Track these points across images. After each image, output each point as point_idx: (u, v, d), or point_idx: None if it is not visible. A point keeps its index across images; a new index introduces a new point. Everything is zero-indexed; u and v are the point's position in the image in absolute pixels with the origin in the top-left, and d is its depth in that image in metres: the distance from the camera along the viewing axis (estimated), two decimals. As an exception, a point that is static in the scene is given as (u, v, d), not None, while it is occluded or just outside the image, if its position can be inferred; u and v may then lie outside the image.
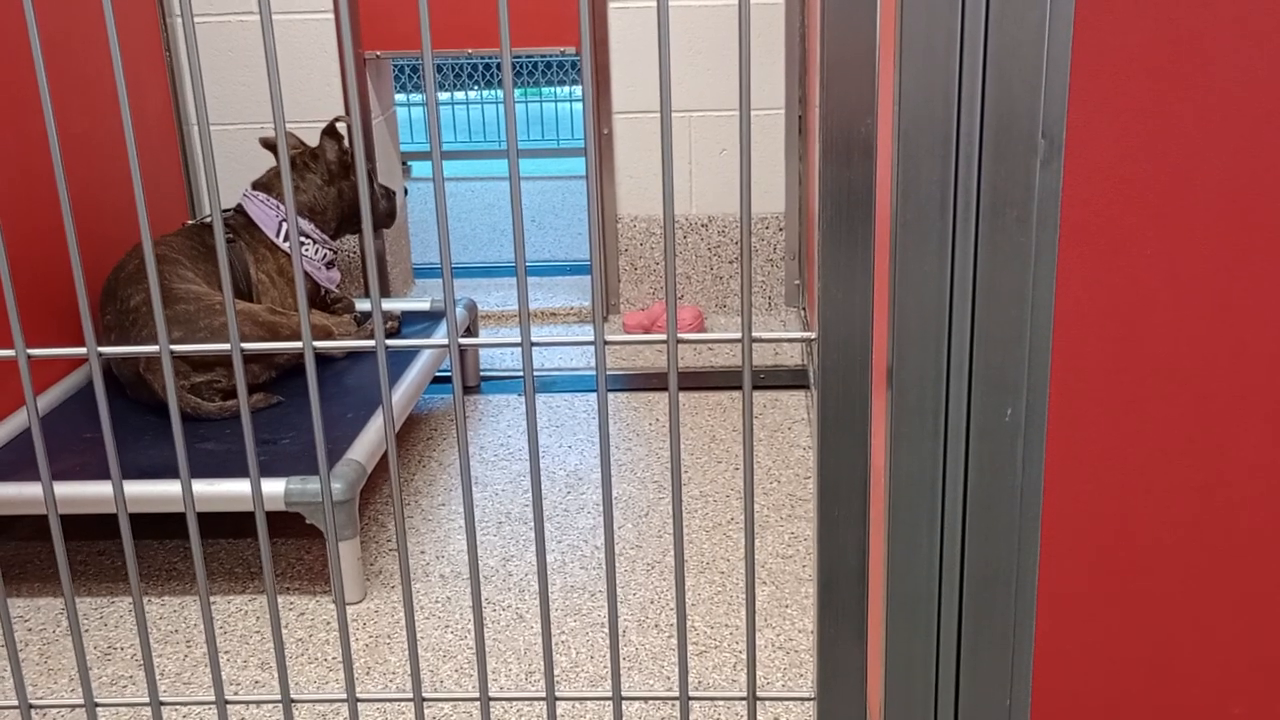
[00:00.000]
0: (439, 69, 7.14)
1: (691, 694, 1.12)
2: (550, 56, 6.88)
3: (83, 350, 0.99)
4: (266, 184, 2.66)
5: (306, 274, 2.63)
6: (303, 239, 2.62)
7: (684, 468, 2.57)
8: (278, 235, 2.58)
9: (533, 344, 0.98)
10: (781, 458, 2.60)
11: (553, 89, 7.25)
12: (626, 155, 3.38)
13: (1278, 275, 0.90)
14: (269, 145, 2.74)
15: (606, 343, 0.97)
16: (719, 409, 2.88)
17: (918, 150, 0.89)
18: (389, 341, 0.96)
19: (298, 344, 0.96)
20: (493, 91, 7.16)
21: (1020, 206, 0.89)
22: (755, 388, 2.98)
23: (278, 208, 2.59)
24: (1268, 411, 0.94)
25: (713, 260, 3.46)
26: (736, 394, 2.96)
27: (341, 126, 2.70)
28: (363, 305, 2.89)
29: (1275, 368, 0.93)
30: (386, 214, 2.91)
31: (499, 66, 6.70)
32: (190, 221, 2.64)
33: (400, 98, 6.67)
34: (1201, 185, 0.88)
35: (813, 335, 0.96)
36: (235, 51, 3.28)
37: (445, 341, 0.97)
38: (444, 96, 7.13)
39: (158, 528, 2.35)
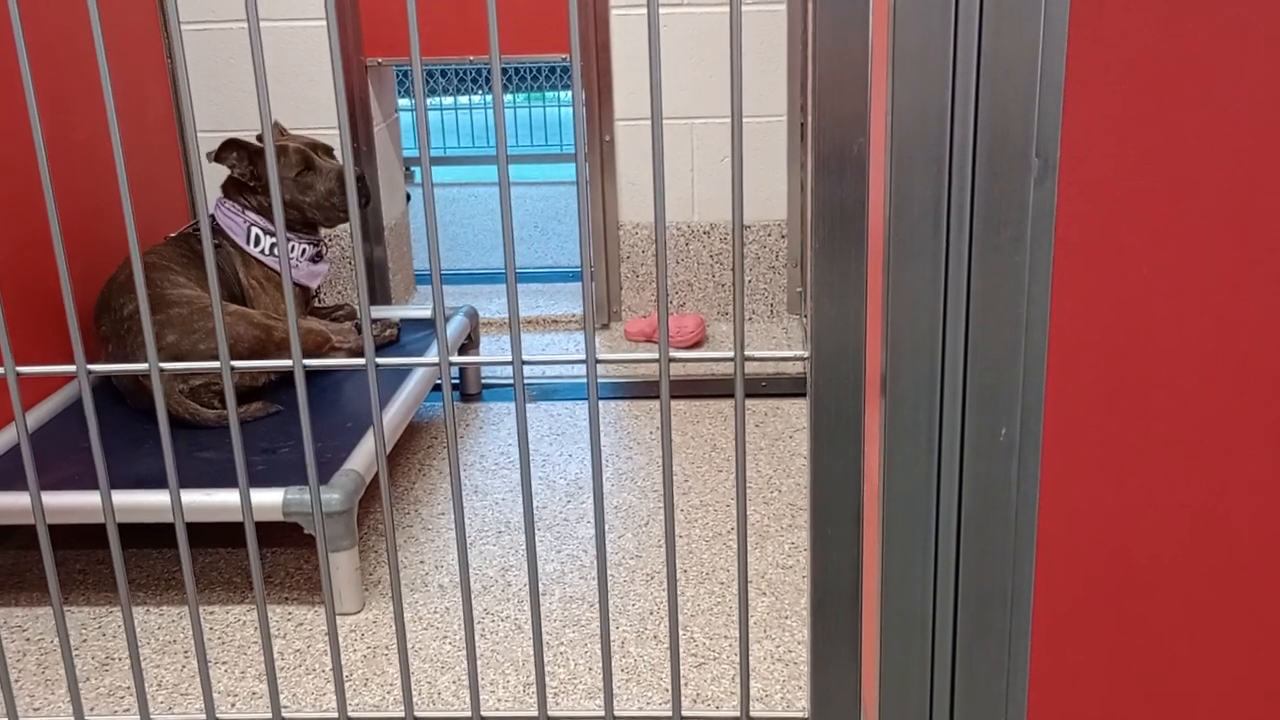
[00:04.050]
0: (442, 74, 7.15)
1: (685, 713, 1.12)
2: (552, 62, 6.89)
3: (73, 368, 0.99)
4: (225, 191, 2.63)
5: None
6: (272, 238, 2.58)
7: (684, 477, 2.56)
8: (247, 241, 2.56)
9: (524, 362, 0.97)
10: (782, 467, 2.59)
11: (555, 93, 7.25)
12: (628, 162, 3.37)
13: (1274, 292, 0.89)
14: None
15: (598, 361, 0.97)
16: (719, 417, 2.87)
17: (911, 167, 0.88)
18: (379, 360, 0.95)
19: (288, 363, 0.95)
20: (497, 96, 7.13)
21: (1014, 225, 0.88)
22: (756, 395, 2.97)
23: (242, 213, 2.57)
24: (1265, 429, 0.93)
25: (714, 268, 3.45)
26: (738, 402, 2.94)
27: (252, 135, 2.61)
28: (363, 313, 2.88)
29: (1272, 385, 0.92)
30: (339, 207, 2.64)
31: (501, 72, 6.66)
32: (172, 234, 2.61)
33: (404, 103, 6.67)
34: (1196, 203, 0.87)
35: (806, 354, 0.95)
36: (236, 58, 3.28)
37: (436, 360, 0.97)
38: (447, 101, 7.14)
39: (156, 537, 2.35)
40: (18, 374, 0.97)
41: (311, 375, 2.66)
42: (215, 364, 0.95)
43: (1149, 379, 0.91)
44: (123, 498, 2.02)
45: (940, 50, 0.84)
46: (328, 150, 2.68)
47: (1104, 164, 0.86)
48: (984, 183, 0.87)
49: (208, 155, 2.54)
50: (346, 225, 3.09)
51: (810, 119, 0.92)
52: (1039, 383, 0.92)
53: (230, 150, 2.54)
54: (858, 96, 0.89)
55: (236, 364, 0.95)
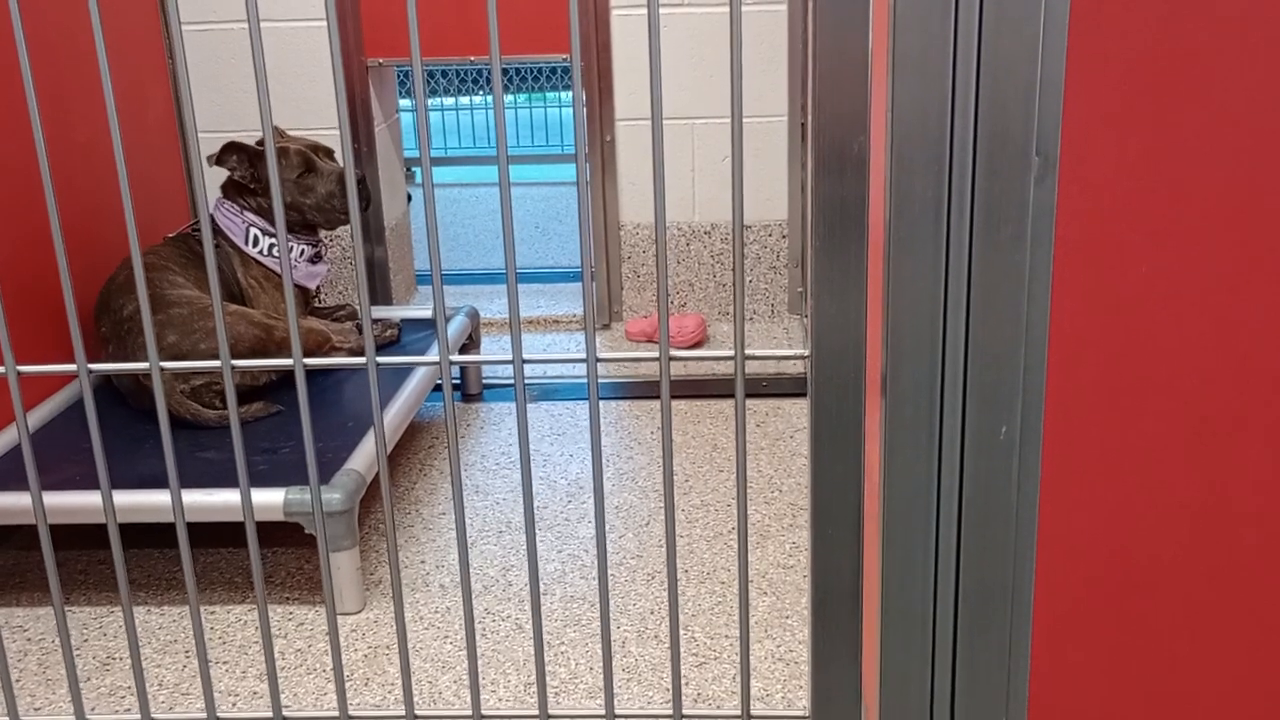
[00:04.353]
0: (443, 75, 7.15)
1: (686, 711, 1.12)
2: (553, 62, 6.89)
3: (73, 367, 0.99)
4: (224, 192, 2.63)
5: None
6: (271, 239, 2.58)
7: (685, 476, 2.56)
8: (245, 242, 2.56)
9: (524, 361, 0.97)
10: (783, 466, 2.59)
11: (556, 94, 7.25)
12: (629, 162, 3.37)
13: (1274, 291, 0.89)
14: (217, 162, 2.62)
15: (599, 360, 0.97)
16: (720, 417, 2.87)
17: (911, 166, 0.88)
18: (380, 359, 0.95)
19: (288, 361, 0.95)
20: (498, 97, 7.13)
21: (1014, 223, 0.88)
22: (757, 395, 2.98)
23: (241, 213, 2.57)
24: (1265, 428, 0.93)
25: (715, 267, 3.45)
26: (739, 402, 2.94)
27: (253, 138, 2.62)
28: (364, 313, 2.88)
29: (1273, 383, 0.92)
30: (339, 210, 2.64)
31: (502, 73, 6.64)
32: (170, 234, 2.61)
33: (405, 104, 6.68)
34: (1197, 201, 0.87)
35: (806, 353, 0.95)
36: (238, 59, 3.28)
37: (437, 359, 0.97)
38: (448, 102, 7.14)
39: (158, 537, 2.35)
40: (19, 373, 0.97)
41: (312, 375, 2.66)
42: (216, 363, 0.95)
43: (1149, 377, 0.91)
44: (124, 498, 2.02)
45: (940, 48, 0.84)
46: (328, 152, 2.68)
47: (1104, 162, 0.86)
48: (984, 181, 0.87)
49: (208, 159, 2.55)
50: (347, 226, 3.09)
51: (811, 117, 0.92)
52: (1039, 381, 0.92)
53: (230, 153, 2.55)
54: (858, 95, 0.89)
55: (237, 363, 0.95)
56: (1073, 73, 0.84)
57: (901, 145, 0.88)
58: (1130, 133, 0.85)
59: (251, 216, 2.57)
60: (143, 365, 0.96)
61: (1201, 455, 0.93)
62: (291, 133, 2.78)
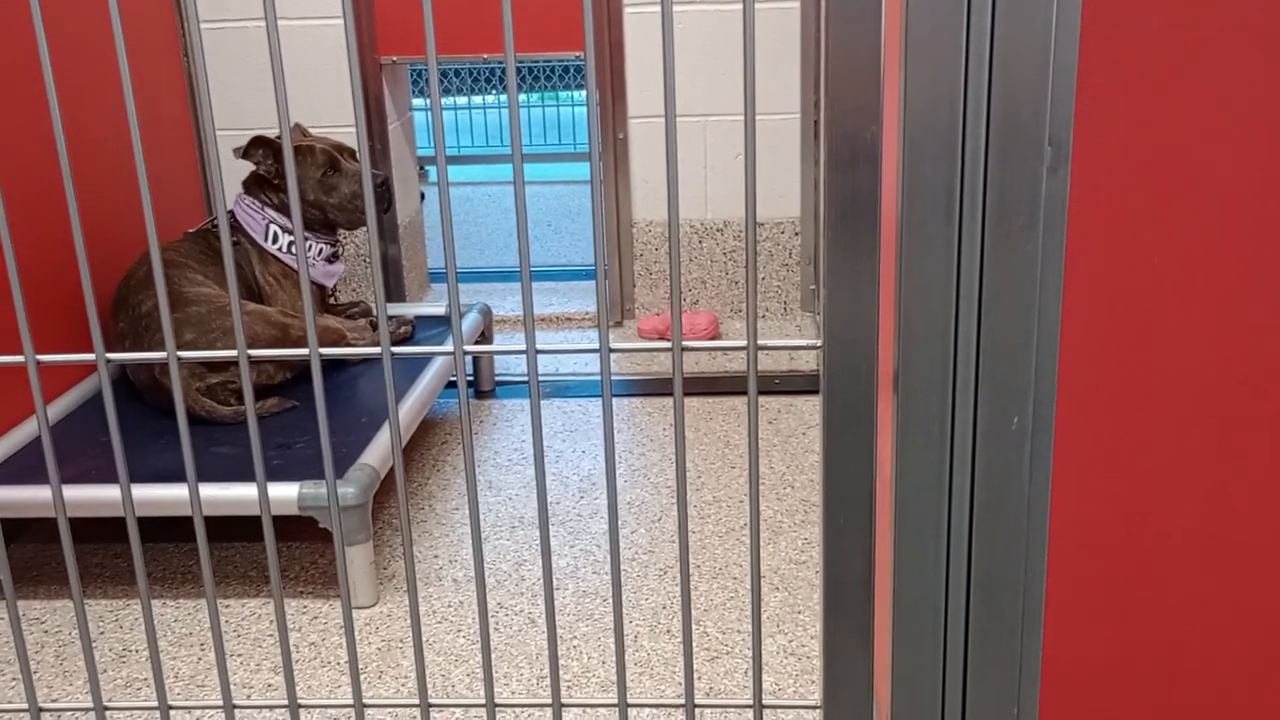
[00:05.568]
0: (456, 74, 7.16)
1: (698, 701, 1.12)
2: (566, 61, 6.90)
3: (92, 356, 1.00)
4: (245, 187, 2.64)
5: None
6: (290, 236, 2.59)
7: (697, 473, 2.56)
8: (265, 239, 2.57)
9: (538, 351, 0.98)
10: (795, 463, 2.59)
11: (569, 93, 7.26)
12: (641, 160, 3.38)
13: (1288, 282, 0.89)
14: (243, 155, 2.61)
15: (611, 350, 0.97)
16: (733, 414, 2.88)
17: (923, 156, 0.89)
18: (395, 349, 0.96)
19: (304, 351, 0.96)
20: (510, 96, 7.14)
21: (1026, 214, 0.88)
22: (770, 393, 2.98)
23: (261, 209, 2.58)
24: (1276, 416, 0.93)
25: (728, 265, 3.45)
26: (751, 399, 2.94)
27: (271, 134, 2.63)
28: (378, 310, 2.89)
29: (1286, 376, 0.92)
30: (361, 210, 2.64)
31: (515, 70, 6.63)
32: (190, 230, 2.63)
33: (418, 102, 6.70)
34: (1209, 192, 0.87)
35: (819, 343, 0.96)
36: (251, 57, 3.30)
37: (452, 349, 0.97)
38: (461, 101, 7.15)
39: (173, 531, 2.37)
40: (38, 362, 0.98)
41: (327, 372, 2.67)
42: (232, 353, 0.96)
43: (1161, 366, 0.92)
44: (140, 492, 2.03)
45: (953, 37, 0.85)
46: (352, 153, 2.69)
47: (1117, 151, 0.86)
48: (996, 171, 0.87)
49: (234, 151, 2.56)
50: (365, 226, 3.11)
51: (823, 108, 0.92)
52: (1051, 371, 0.92)
53: (257, 147, 2.57)
54: (871, 85, 0.90)
55: (254, 352, 0.96)
56: (1085, 62, 0.84)
57: (914, 135, 0.88)
58: (1143, 122, 0.86)
59: (272, 213, 2.58)
60: (160, 355, 0.97)
61: (1212, 445, 0.94)
62: (311, 132, 2.79)
